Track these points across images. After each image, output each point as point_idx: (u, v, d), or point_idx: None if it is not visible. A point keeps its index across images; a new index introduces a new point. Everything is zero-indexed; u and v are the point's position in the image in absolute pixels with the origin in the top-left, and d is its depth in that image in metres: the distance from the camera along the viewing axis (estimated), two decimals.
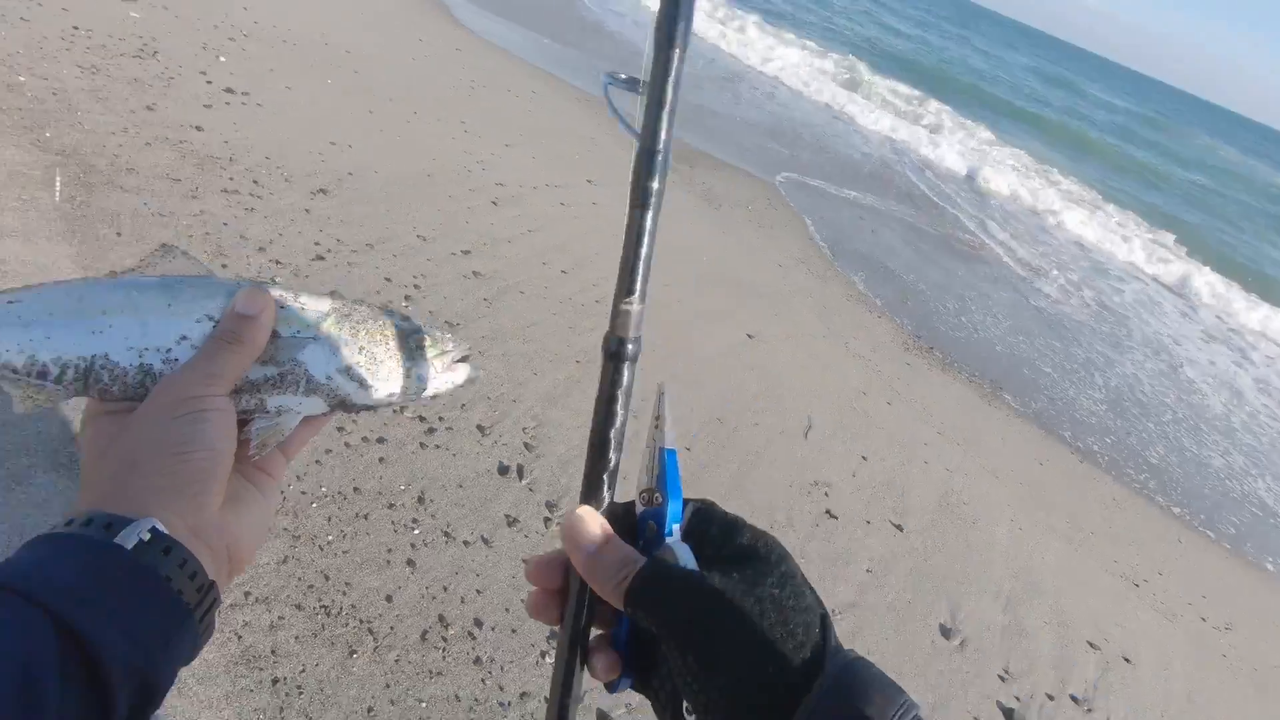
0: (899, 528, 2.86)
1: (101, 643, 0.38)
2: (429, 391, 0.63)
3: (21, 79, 2.96)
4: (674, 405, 2.44)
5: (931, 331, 5.08)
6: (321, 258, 2.80)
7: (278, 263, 2.63)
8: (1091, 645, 2.74)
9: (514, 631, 1.81)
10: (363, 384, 0.60)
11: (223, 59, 3.95)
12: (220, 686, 1.44)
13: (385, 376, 0.60)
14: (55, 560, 0.41)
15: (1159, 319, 8.18)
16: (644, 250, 0.50)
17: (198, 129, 3.20)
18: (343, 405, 0.59)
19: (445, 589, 1.83)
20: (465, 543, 1.98)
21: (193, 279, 0.58)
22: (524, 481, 2.25)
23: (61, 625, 0.38)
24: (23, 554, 0.42)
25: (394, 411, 2.26)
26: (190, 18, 4.22)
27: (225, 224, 2.70)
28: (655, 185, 0.50)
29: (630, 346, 0.50)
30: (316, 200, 3.17)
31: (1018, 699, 2.35)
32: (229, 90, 3.67)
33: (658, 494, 0.47)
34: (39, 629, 0.37)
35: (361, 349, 0.60)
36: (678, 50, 0.49)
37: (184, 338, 0.55)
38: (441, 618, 1.77)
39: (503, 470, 2.25)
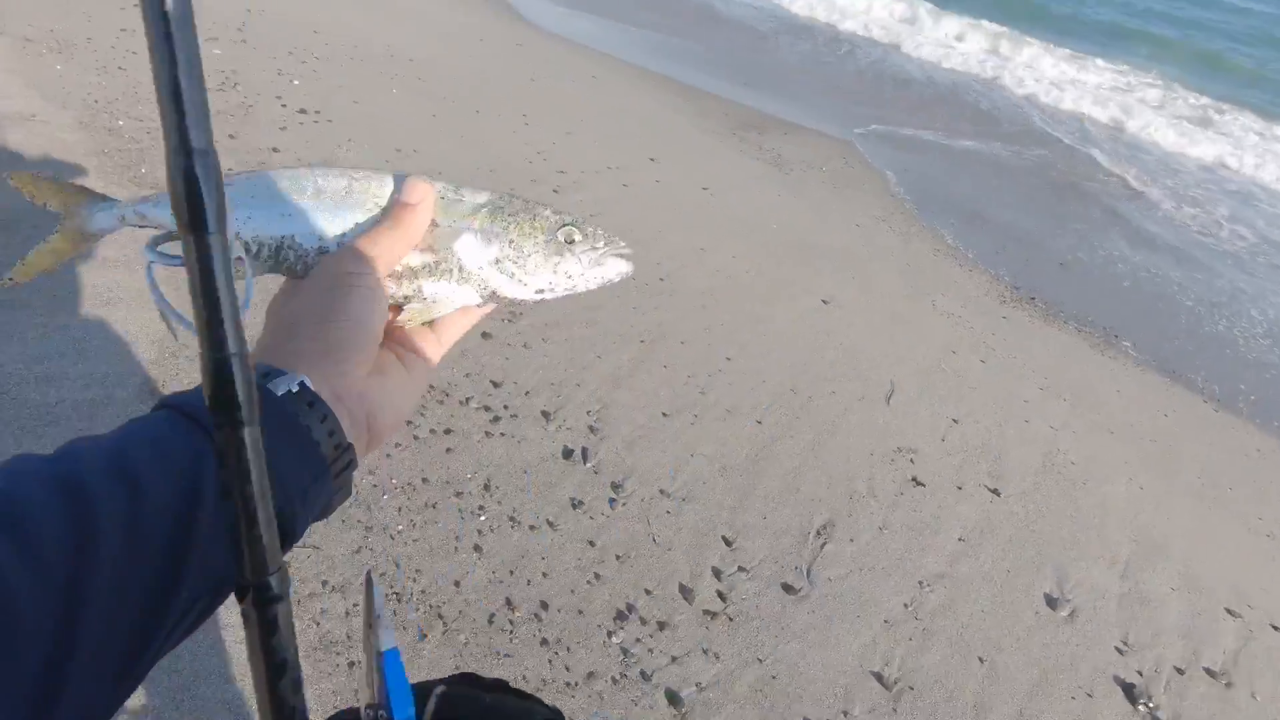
0: (995, 492, 2.66)
1: None
2: (579, 285, 0.64)
3: (120, 123, 3.24)
4: (742, 377, 2.37)
5: (1032, 280, 4.68)
6: None
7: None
8: (1230, 612, 2.46)
9: (580, 613, 1.82)
10: (513, 275, 0.62)
11: (296, 82, 4.17)
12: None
13: (536, 268, 0.62)
14: None
15: None
16: (261, 518, 0.37)
17: (274, 150, 3.40)
18: (494, 296, 0.62)
19: (511, 573, 1.87)
20: (531, 527, 2.01)
21: (371, 172, 0.63)
22: (589, 464, 2.26)
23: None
24: (195, 389, 0.46)
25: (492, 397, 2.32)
26: (266, 48, 4.49)
27: None
28: (244, 404, 0.36)
29: (275, 583, 0.38)
30: None
31: (1139, 673, 2.14)
32: (302, 111, 3.87)
33: (383, 710, 0.39)
34: (206, 452, 0.42)
35: (513, 241, 0.62)
36: (212, 210, 0.34)
37: (357, 224, 0.60)
38: (508, 601, 1.80)
39: (567, 454, 2.27)
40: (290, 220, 0.60)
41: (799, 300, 3.52)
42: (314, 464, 0.47)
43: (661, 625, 1.86)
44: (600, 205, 3.82)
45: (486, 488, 2.07)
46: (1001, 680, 2.00)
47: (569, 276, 0.63)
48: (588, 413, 2.45)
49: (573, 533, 2.03)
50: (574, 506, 2.10)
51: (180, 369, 2.12)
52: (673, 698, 1.71)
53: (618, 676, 1.73)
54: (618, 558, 1.99)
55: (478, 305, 0.63)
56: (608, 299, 3.10)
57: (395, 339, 0.60)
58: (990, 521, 2.53)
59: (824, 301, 3.59)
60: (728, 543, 2.15)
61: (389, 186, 0.61)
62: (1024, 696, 1.97)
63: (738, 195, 4.52)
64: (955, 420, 3.00)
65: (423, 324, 0.61)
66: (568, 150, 4.40)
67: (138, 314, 2.25)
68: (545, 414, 2.39)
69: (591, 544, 2.01)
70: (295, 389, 0.47)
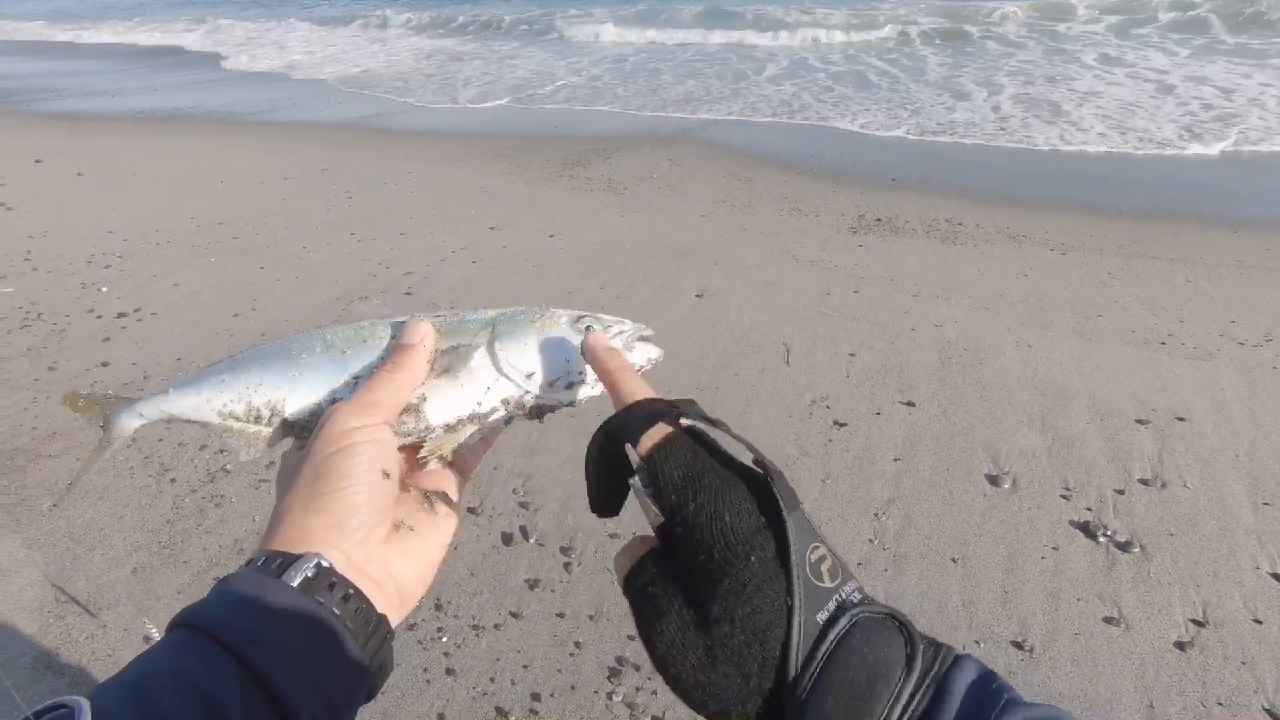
0: (910, 404, 2.79)
1: (287, 690, 0.43)
2: None
3: None
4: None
5: (873, 202, 4.99)
6: None
7: (222, 452, 2.62)
8: (1140, 422, 2.66)
9: (573, 689, 1.77)
10: (535, 384, 0.58)
11: (104, 289, 3.95)
12: None
13: (557, 373, 0.59)
14: (239, 604, 0.45)
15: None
16: None
17: (104, 365, 3.20)
18: (519, 408, 0.59)
19: (492, 680, 1.80)
20: (496, 626, 1.94)
21: (382, 320, 0.61)
22: (531, 540, 2.21)
23: (247, 668, 0.42)
24: (211, 598, 0.46)
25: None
26: (62, 267, 4.23)
27: (159, 439, 2.69)
28: None
29: None
30: None
31: (1088, 509, 2.28)
32: (121, 315, 3.67)
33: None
34: (228, 672, 0.42)
35: (527, 349, 0.58)
36: None
37: (362, 373, 0.58)
38: (499, 710, 1.73)
39: (507, 540, 2.21)
40: (299, 380, 0.58)
41: (677, 303, 3.61)
42: (344, 657, 0.45)
43: None
44: (455, 292, 3.80)
45: (438, 607, 1.99)
46: (978, 571, 2.08)
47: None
48: (513, 491, 2.41)
49: (539, 613, 1.97)
50: (531, 587, 2.05)
51: (71, 631, 1.94)
52: None
53: None
54: (591, 618, 1.95)
55: (504, 423, 0.59)
56: None
57: (416, 481, 0.57)
58: (916, 432, 2.65)
59: (698, 296, 3.69)
60: None
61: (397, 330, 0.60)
62: (1002, 576, 2.06)
63: (584, 231, 4.60)
64: (852, 355, 3.14)
65: (445, 456, 0.58)
66: (408, 250, 4.36)
67: (6, 586, 2.05)
68: (472, 510, 2.33)
69: (561, 616, 1.96)
70: (311, 573, 0.46)
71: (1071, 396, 2.80)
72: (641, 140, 6.69)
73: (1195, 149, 5.85)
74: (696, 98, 8.19)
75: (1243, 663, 1.81)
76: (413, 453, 0.58)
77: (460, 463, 0.61)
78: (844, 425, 2.68)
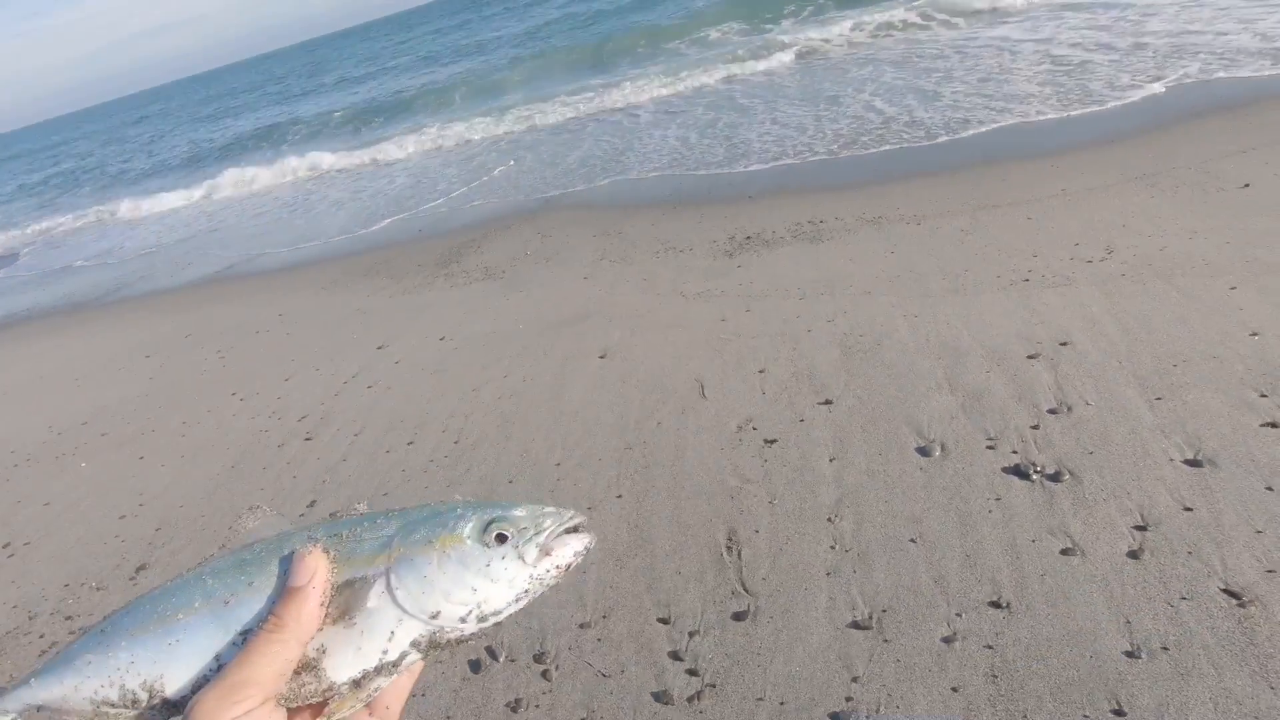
0: (828, 403, 2.86)
1: None
2: (534, 588, 0.52)
3: None
4: (580, 471, 2.29)
5: (738, 221, 5.19)
6: None
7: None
8: (1031, 357, 2.83)
9: None
10: (443, 621, 0.50)
11: None
12: None
13: (474, 594, 0.50)
14: None
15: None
16: None
17: None
18: (435, 646, 0.51)
19: None
20: None
21: (269, 546, 0.51)
22: (501, 658, 2.08)
23: None
24: None
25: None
26: None
27: None
28: None
29: None
30: (141, 576, 2.87)
31: (1014, 452, 2.38)
32: None
33: None
34: None
35: (432, 574, 0.50)
36: None
37: (248, 628, 0.49)
38: None
39: (475, 667, 2.07)
40: (177, 649, 0.49)
41: (583, 370, 3.59)
42: None
43: None
44: (358, 424, 3.64)
45: None
46: (937, 544, 2.12)
47: (516, 585, 0.51)
48: None
49: None
50: (514, 710, 1.92)
51: None
52: None
53: None
54: None
55: (421, 660, 0.51)
56: (415, 498, 2.93)
57: None
58: (841, 428, 2.71)
59: (602, 357, 3.68)
60: (665, 621, 2.08)
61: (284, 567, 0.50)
62: (959, 541, 2.10)
63: (474, 324, 4.54)
64: (762, 371, 3.20)
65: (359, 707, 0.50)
66: (297, 394, 4.16)
67: None
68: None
69: None
70: None
71: (966, 352, 2.96)
72: (508, 221, 6.74)
73: (1127, 97, 6.44)
74: (592, 160, 8.18)
75: (1189, 552, 1.91)
76: (313, 713, 0.50)
77: (378, 705, 0.52)
78: (774, 442, 2.71)
